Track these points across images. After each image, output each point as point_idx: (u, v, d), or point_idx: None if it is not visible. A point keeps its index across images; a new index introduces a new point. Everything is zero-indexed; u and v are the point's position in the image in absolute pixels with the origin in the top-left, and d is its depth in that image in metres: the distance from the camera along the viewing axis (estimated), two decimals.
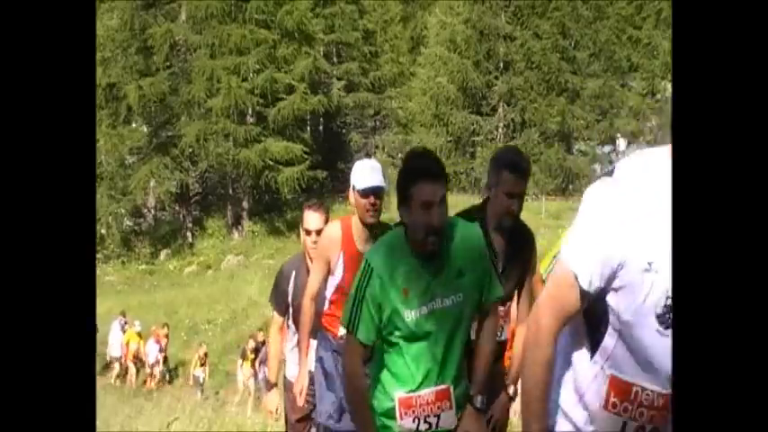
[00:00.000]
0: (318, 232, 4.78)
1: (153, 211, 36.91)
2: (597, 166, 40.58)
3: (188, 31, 35.37)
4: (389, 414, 3.37)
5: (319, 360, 4.59)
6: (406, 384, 3.33)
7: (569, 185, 39.02)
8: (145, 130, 36.59)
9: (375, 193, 4.29)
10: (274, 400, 5.37)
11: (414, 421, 3.34)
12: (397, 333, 3.28)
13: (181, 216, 36.70)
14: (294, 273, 5.02)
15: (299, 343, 4.71)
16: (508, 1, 38.98)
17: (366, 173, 4.32)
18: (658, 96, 38.31)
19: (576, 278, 2.10)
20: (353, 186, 4.34)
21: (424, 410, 3.34)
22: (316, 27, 38.04)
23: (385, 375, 3.38)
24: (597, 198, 2.11)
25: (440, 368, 3.31)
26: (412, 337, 3.27)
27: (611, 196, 2.07)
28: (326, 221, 4.84)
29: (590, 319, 2.19)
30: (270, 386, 5.42)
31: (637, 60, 39.47)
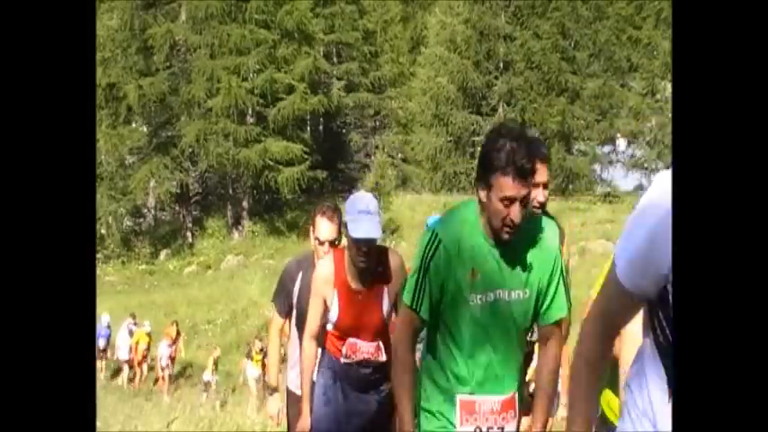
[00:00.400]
0: (331, 243, 4.61)
1: (153, 211, 36.92)
2: (597, 166, 40.61)
3: (188, 31, 35.38)
4: (443, 414, 3.09)
5: (321, 375, 4.44)
6: (464, 384, 3.05)
7: (569, 185, 39.04)
8: (145, 130, 36.60)
9: (368, 243, 4.09)
10: (275, 405, 5.20)
11: (475, 431, 3.05)
12: (456, 319, 2.99)
13: (181, 216, 36.71)
14: (301, 273, 4.80)
15: (301, 385, 4.51)
16: (508, 1, 38.98)
17: (362, 221, 4.04)
18: (658, 96, 38.29)
19: (618, 278, 2.02)
20: (346, 225, 4.14)
21: (487, 420, 3.05)
22: (316, 27, 38.05)
23: (437, 369, 3.10)
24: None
25: (501, 370, 3.04)
26: (472, 327, 2.99)
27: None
28: (339, 230, 4.63)
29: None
30: (271, 390, 5.26)
31: (637, 60, 39.46)
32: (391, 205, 32.97)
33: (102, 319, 22.18)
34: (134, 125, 36.70)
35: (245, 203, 36.73)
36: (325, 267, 4.28)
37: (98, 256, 29.83)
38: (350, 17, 40.29)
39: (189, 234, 35.94)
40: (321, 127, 41.92)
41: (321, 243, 4.64)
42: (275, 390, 5.25)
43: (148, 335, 21.85)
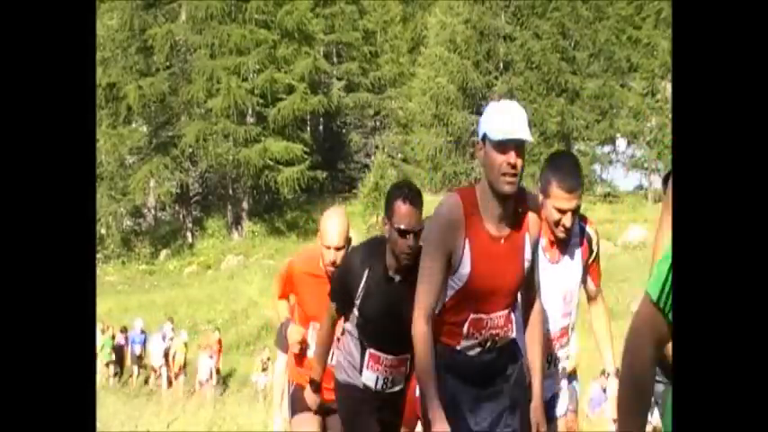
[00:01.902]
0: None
1: (153, 211, 36.92)
2: (597, 166, 40.60)
3: (188, 31, 35.38)
4: None
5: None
6: None
7: None
8: (145, 130, 36.60)
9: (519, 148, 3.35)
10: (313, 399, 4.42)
11: None
12: None
13: (181, 216, 36.71)
14: (368, 270, 3.88)
15: (425, 389, 3.39)
16: (508, 1, 38.98)
17: (506, 120, 3.29)
18: (658, 96, 38.28)
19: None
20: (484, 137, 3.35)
21: None
22: (316, 27, 38.05)
23: None
24: None
25: None
26: None
27: None
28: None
29: None
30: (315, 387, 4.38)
31: (637, 60, 39.45)
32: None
33: (136, 324, 21.32)
34: (134, 125, 36.69)
35: (245, 203, 36.73)
36: (452, 209, 3.36)
37: (98, 256, 29.82)
38: (350, 17, 40.29)
39: (189, 234, 35.94)
40: (321, 127, 41.91)
41: (402, 234, 3.70)
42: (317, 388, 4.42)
43: (185, 345, 20.88)
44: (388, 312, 3.77)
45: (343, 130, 42.27)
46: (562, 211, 3.71)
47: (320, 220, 4.53)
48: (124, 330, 21.66)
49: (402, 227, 3.65)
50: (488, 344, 3.43)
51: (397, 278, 3.79)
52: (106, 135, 33.57)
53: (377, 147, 40.11)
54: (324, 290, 4.19)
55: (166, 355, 20.59)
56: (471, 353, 3.44)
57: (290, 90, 35.68)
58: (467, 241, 3.30)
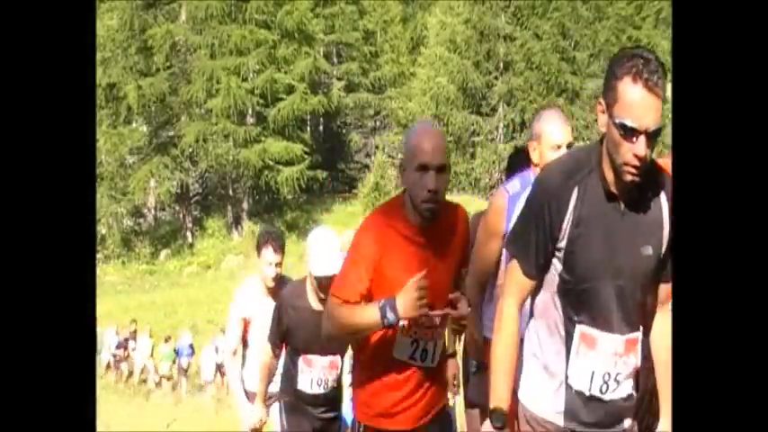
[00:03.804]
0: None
1: (153, 211, 36.92)
2: None
3: (188, 31, 35.38)
4: None
5: None
6: None
7: None
8: (145, 130, 36.59)
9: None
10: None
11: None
12: None
13: (181, 216, 36.71)
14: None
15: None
16: (508, 1, 38.98)
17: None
18: None
19: None
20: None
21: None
22: (316, 27, 38.05)
23: None
24: None
25: None
26: None
27: None
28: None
29: None
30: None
31: None
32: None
33: (184, 337, 20.67)
34: (134, 125, 36.69)
35: (245, 203, 36.73)
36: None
37: (98, 256, 29.83)
38: (350, 17, 40.31)
39: (189, 234, 35.94)
40: (321, 127, 41.92)
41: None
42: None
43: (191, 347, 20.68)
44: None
45: (343, 130, 42.28)
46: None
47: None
48: (168, 340, 21.11)
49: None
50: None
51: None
52: (106, 135, 33.57)
53: (377, 147, 40.12)
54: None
55: (219, 368, 19.14)
56: None
57: (290, 90, 35.69)
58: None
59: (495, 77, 39.46)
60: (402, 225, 3.10)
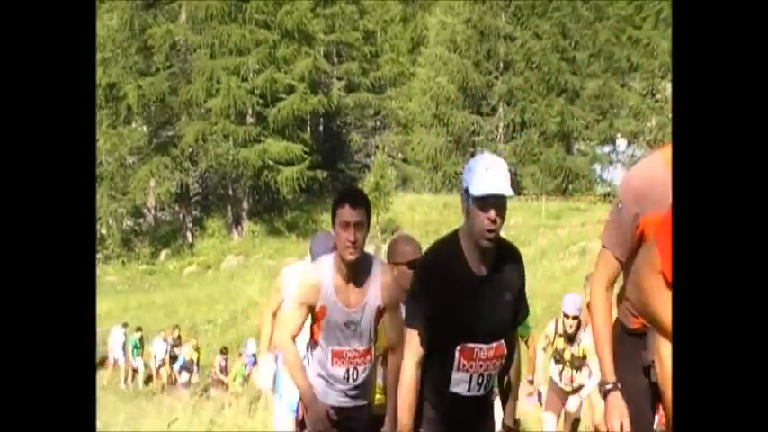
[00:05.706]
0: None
1: (153, 211, 36.93)
2: (597, 166, 40.63)
3: (188, 31, 35.38)
4: None
5: None
6: None
7: (569, 185, 39.05)
8: (145, 130, 36.60)
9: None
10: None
11: None
12: None
13: (181, 216, 36.72)
14: None
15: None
16: (508, 1, 39.00)
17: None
18: (658, 96, 38.31)
19: None
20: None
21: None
22: (316, 27, 38.06)
23: None
24: None
25: None
26: None
27: None
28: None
29: None
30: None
31: (637, 60, 39.48)
32: (391, 205, 33.00)
33: (249, 345, 18.97)
34: (134, 125, 36.69)
35: (245, 203, 36.74)
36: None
37: (98, 256, 29.83)
38: (350, 17, 40.31)
39: (189, 234, 35.94)
40: (321, 127, 41.93)
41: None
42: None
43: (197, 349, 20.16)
44: None
45: (343, 130, 42.29)
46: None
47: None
48: (225, 351, 20.10)
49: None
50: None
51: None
52: (106, 135, 33.56)
53: (377, 147, 40.14)
54: None
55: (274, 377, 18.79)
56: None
57: (290, 90, 35.69)
58: None
59: (496, 77, 39.49)
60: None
